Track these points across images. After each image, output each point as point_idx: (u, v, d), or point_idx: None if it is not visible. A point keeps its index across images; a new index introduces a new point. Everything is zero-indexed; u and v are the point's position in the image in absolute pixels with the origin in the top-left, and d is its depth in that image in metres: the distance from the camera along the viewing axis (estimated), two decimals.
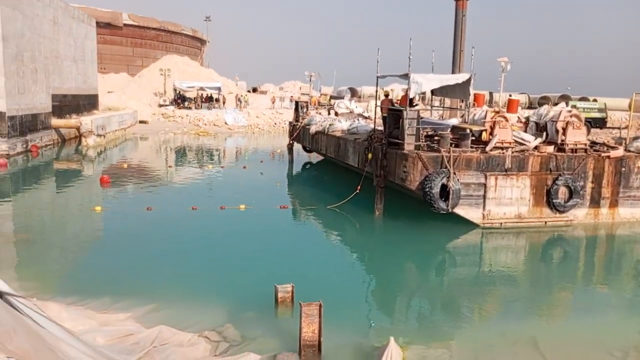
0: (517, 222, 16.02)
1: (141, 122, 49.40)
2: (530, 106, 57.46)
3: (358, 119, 24.64)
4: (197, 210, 17.24)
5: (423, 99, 31.01)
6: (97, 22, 49.24)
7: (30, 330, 4.46)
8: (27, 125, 29.68)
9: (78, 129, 35.17)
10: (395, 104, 20.15)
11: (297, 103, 31.33)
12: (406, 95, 17.32)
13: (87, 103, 42.87)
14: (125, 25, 76.93)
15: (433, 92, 21.14)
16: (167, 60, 69.20)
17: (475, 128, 16.66)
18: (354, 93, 58.84)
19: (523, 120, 19.24)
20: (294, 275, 10.67)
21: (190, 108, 56.01)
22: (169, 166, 29.20)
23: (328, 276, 11.91)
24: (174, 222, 16.05)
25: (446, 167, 15.18)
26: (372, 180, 17.30)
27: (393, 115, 17.31)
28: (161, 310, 9.32)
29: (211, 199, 20.21)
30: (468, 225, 15.72)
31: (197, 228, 15.52)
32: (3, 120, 26.90)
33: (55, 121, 34.15)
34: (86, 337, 5.89)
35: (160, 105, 56.78)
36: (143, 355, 6.63)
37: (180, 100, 57.46)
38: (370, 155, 17.63)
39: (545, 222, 16.22)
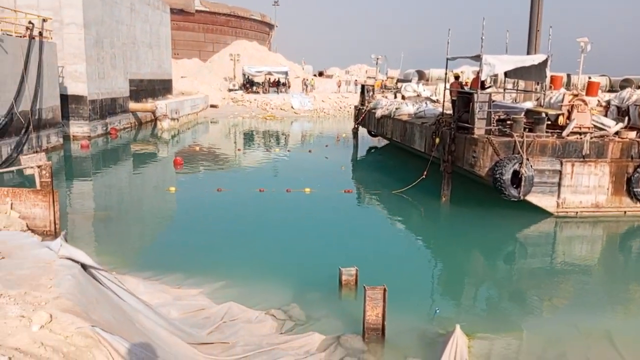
0: (594, 212, 15.19)
1: (212, 106, 50.90)
2: (612, 89, 53.75)
3: (426, 103, 24.13)
4: (264, 192, 17.63)
5: (495, 81, 29.86)
6: (170, 9, 50.96)
7: (111, 302, 4.77)
8: (106, 108, 31.40)
9: (153, 112, 36.80)
10: (465, 87, 19.54)
11: (363, 87, 31.11)
12: (477, 77, 16.74)
13: (161, 88, 44.68)
14: (197, 11, 79.12)
15: (506, 74, 20.27)
16: (237, 45, 70.63)
17: (551, 112, 15.86)
18: (421, 76, 57.43)
19: (603, 104, 18.09)
20: (357, 258, 10.73)
21: (258, 92, 57.03)
22: (238, 149, 29.98)
23: (392, 261, 11.87)
24: (242, 203, 16.52)
25: (519, 153, 14.60)
26: (439, 166, 16.95)
27: (463, 98, 16.81)
28: (230, 287, 9.67)
29: (277, 181, 20.59)
30: (540, 213, 15.09)
31: (264, 209, 15.89)
32: (84, 103, 28.59)
33: (132, 105, 35.90)
34: (161, 310, 6.23)
35: (230, 90, 58.18)
36: (214, 330, 6.93)
37: (248, 84, 58.62)
38: (437, 140, 17.26)
39: (625, 212, 15.27)
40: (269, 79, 59.52)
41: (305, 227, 14.24)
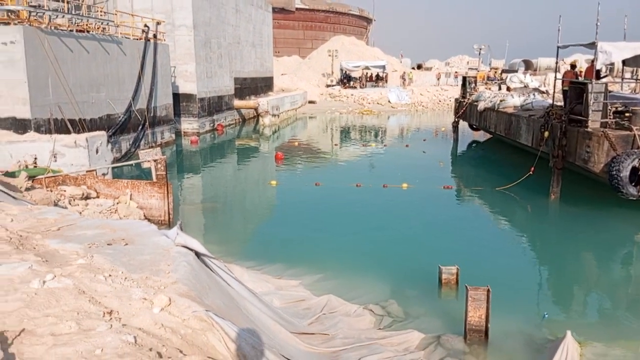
0: None
1: (310, 102, 51.91)
2: None
3: (533, 94, 22.82)
4: (361, 187, 17.68)
5: (612, 70, 27.51)
6: (272, 8, 52.57)
7: (221, 288, 5.06)
8: (213, 106, 33.17)
9: (256, 109, 38.29)
10: (579, 77, 18.21)
11: (464, 78, 30.08)
12: (592, 66, 15.53)
13: (263, 85, 46.32)
14: (297, 9, 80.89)
15: (625, 62, 18.63)
16: (335, 41, 71.24)
17: None
18: (528, 66, 54.40)
19: None
20: (458, 257, 10.42)
21: (355, 87, 57.21)
22: (335, 144, 30.32)
23: (495, 261, 11.39)
24: (340, 197, 16.70)
25: (638, 148, 13.35)
26: (548, 161, 15.97)
27: (575, 89, 15.68)
28: (328, 280, 9.84)
29: (374, 176, 20.53)
30: None
31: (362, 204, 15.94)
32: (194, 101, 30.41)
33: (236, 102, 37.61)
34: (265, 299, 6.49)
35: (328, 86, 58.92)
36: (314, 321, 7.11)
37: (346, 80, 58.99)
38: (546, 134, 16.26)
39: None
40: (366, 73, 59.46)
41: (402, 223, 14.08)
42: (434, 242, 12.48)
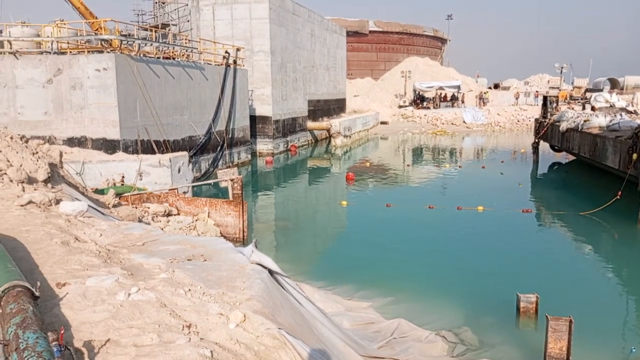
0: None
1: (382, 122, 51.87)
2: None
3: (620, 114, 21.53)
4: (434, 209, 17.36)
5: None
6: (346, 32, 53.42)
7: (293, 307, 5.15)
8: (287, 127, 34.01)
9: (328, 130, 38.83)
10: None
11: (545, 98, 28.94)
12: None
13: (336, 107, 46.94)
14: (370, 32, 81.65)
15: None
16: (408, 62, 71.05)
17: None
18: (614, 84, 51.44)
19: None
20: (538, 284, 9.95)
21: (428, 108, 56.57)
22: (407, 165, 30.03)
23: (577, 289, 10.74)
24: (411, 219, 16.47)
25: None
26: (636, 185, 14.95)
27: None
28: (399, 303, 9.70)
29: (447, 198, 20.09)
30: None
31: (434, 227, 15.63)
32: (269, 123, 31.33)
33: (309, 124, 38.34)
34: (335, 320, 6.52)
35: (400, 107, 58.68)
36: (384, 345, 7.03)
37: (419, 100, 58.52)
38: (635, 156, 15.27)
39: None
40: (440, 93, 58.68)
41: (478, 247, 13.64)
42: (512, 268, 11.97)
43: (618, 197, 15.69)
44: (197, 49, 24.22)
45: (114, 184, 14.49)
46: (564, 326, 7.12)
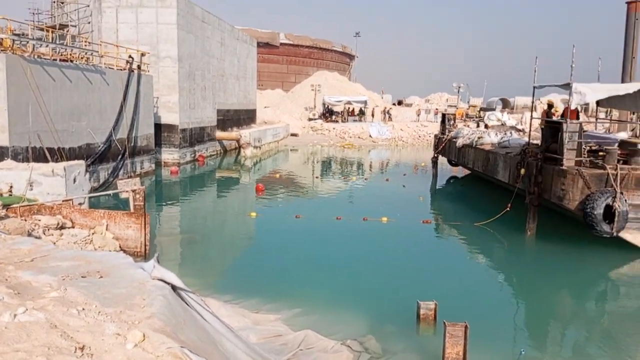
0: None
1: (292, 134, 52.26)
2: None
3: (510, 132, 23.38)
4: (341, 220, 17.72)
5: (586, 110, 28.40)
6: (257, 42, 53.38)
7: (197, 323, 4.99)
8: (195, 137, 33.19)
9: (238, 140, 38.40)
10: (553, 116, 18.75)
11: (443, 115, 30.70)
12: (568, 107, 16.01)
13: (246, 117, 46.61)
14: (281, 44, 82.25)
15: (599, 103, 19.27)
16: (318, 76, 72.43)
17: None
18: (505, 104, 55.77)
19: None
20: (436, 292, 10.45)
21: (337, 121, 57.91)
22: (316, 177, 30.44)
23: (473, 296, 11.44)
24: (320, 230, 16.69)
25: (612, 186, 13.71)
26: (524, 198, 16.26)
27: (550, 128, 16.13)
28: (306, 315, 9.75)
29: (354, 209, 20.59)
30: (635, 252, 13.98)
31: (342, 238, 15.95)
32: (176, 132, 30.40)
33: (219, 134, 37.69)
34: (242, 334, 6.40)
35: (310, 119, 59.56)
36: (291, 357, 7.01)
37: (328, 114, 59.80)
38: (523, 171, 16.60)
39: None
40: (348, 108, 60.37)
41: (382, 257, 14.10)
42: (413, 276, 12.50)
43: (508, 209, 16.94)
44: (97, 52, 22.99)
45: (1, 195, 13.28)
46: (460, 331, 7.53)
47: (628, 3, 27.31)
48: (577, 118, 16.15)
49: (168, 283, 4.92)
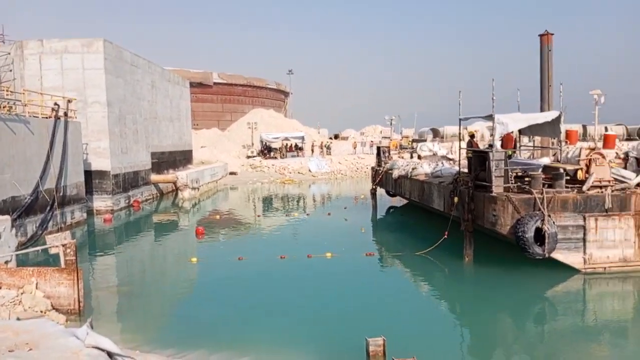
0: (622, 266, 14.78)
1: (231, 173, 51.79)
2: (629, 138, 53.54)
3: (442, 162, 24.29)
4: (286, 259, 17.58)
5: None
6: (190, 83, 53.04)
7: None
8: (129, 181, 32.16)
9: (175, 183, 37.56)
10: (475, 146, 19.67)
11: (378, 148, 31.50)
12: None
13: (182, 158, 45.79)
14: (215, 83, 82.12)
15: (521, 131, 20.45)
16: (254, 113, 72.74)
17: (569, 167, 15.82)
18: (436, 134, 58.10)
19: (622, 156, 18.01)
20: (383, 326, 10.49)
21: (276, 158, 58.10)
22: (258, 215, 30.17)
23: (419, 328, 11.57)
24: (264, 271, 16.44)
25: (539, 210, 14.46)
26: (460, 225, 16.82)
27: (478, 157, 16.90)
28: None
29: (298, 247, 20.51)
30: (567, 271, 14.73)
31: (286, 277, 15.79)
32: (108, 178, 29.34)
33: (154, 177, 36.73)
34: None
35: (248, 157, 59.39)
36: None
37: (266, 150, 59.90)
38: (456, 199, 17.21)
39: None
40: (286, 144, 60.78)
41: (328, 294, 14.06)
42: (360, 312, 12.50)
43: (445, 236, 17.43)
44: (20, 101, 22.02)
45: None
46: None
47: (540, 36, 29.53)
48: (515, 143, 16.99)
49: (103, 350, 4.66)
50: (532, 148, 22.97)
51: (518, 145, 21.76)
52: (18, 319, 8.96)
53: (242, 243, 21.98)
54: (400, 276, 16.60)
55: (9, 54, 27.84)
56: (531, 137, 24.27)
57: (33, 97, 23.49)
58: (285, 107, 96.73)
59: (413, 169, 23.25)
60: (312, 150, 61.31)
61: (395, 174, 24.93)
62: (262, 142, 60.88)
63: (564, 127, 17.62)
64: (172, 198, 37.33)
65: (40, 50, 28.46)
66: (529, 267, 15.03)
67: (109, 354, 4.68)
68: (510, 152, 20.63)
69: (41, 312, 11.17)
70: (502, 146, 18.91)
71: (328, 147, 62.40)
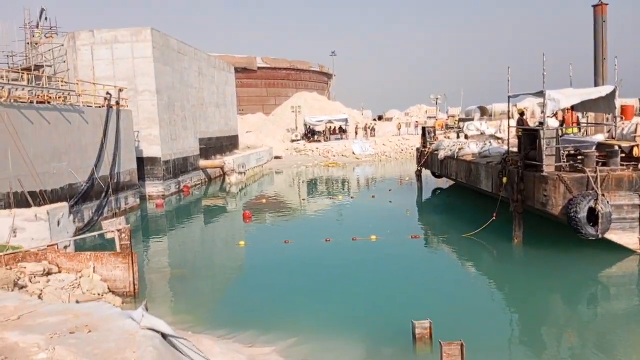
0: None
1: (276, 157, 52.34)
2: None
3: (490, 142, 23.68)
4: (331, 242, 17.70)
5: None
6: (235, 69, 53.65)
7: None
8: (179, 167, 33.06)
9: (222, 168, 38.33)
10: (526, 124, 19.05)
11: (424, 129, 31.04)
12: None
13: (229, 144, 46.58)
14: (259, 68, 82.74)
15: (573, 107, 19.66)
16: (298, 97, 72.91)
17: (625, 144, 15.13)
18: (483, 112, 56.48)
19: None
20: (431, 309, 10.46)
21: (319, 141, 58.19)
22: (302, 199, 30.44)
23: (467, 311, 11.45)
24: (310, 254, 16.64)
25: (593, 189, 13.93)
26: (509, 206, 16.43)
27: (528, 135, 16.40)
28: (302, 344, 9.69)
29: (343, 230, 20.60)
30: (622, 252, 14.18)
31: (332, 260, 15.92)
32: (159, 164, 30.26)
33: (202, 162, 37.60)
34: None
35: (293, 141, 59.78)
36: None
37: (310, 134, 60.08)
38: (505, 180, 16.80)
39: None
40: (330, 127, 60.74)
41: (373, 277, 14.10)
42: (406, 295, 12.50)
43: (494, 218, 17.09)
44: (75, 91, 22.92)
45: None
46: (457, 350, 7.54)
47: (594, 6, 28.10)
48: (578, 121, 16.41)
49: (158, 331, 4.88)
50: (585, 125, 22.06)
51: (580, 123, 20.92)
52: (77, 302, 9.48)
53: (288, 226, 22.27)
54: (446, 259, 16.43)
55: (62, 45, 28.91)
56: (584, 113, 23.28)
57: (86, 87, 24.40)
58: (329, 89, 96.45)
59: (460, 149, 22.79)
60: (356, 133, 61.09)
61: (441, 154, 24.53)
62: (306, 125, 61.06)
63: (619, 103, 16.79)
64: (220, 183, 38.14)
65: (92, 41, 29.43)
66: (581, 248, 14.56)
67: (164, 335, 4.90)
68: (573, 131, 19.94)
69: (99, 295, 11.75)
70: (562, 124, 18.24)
71: (372, 129, 62.02)
